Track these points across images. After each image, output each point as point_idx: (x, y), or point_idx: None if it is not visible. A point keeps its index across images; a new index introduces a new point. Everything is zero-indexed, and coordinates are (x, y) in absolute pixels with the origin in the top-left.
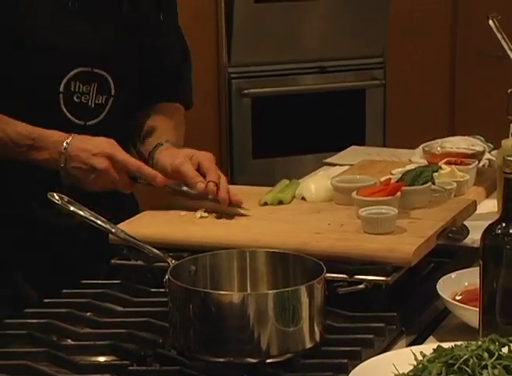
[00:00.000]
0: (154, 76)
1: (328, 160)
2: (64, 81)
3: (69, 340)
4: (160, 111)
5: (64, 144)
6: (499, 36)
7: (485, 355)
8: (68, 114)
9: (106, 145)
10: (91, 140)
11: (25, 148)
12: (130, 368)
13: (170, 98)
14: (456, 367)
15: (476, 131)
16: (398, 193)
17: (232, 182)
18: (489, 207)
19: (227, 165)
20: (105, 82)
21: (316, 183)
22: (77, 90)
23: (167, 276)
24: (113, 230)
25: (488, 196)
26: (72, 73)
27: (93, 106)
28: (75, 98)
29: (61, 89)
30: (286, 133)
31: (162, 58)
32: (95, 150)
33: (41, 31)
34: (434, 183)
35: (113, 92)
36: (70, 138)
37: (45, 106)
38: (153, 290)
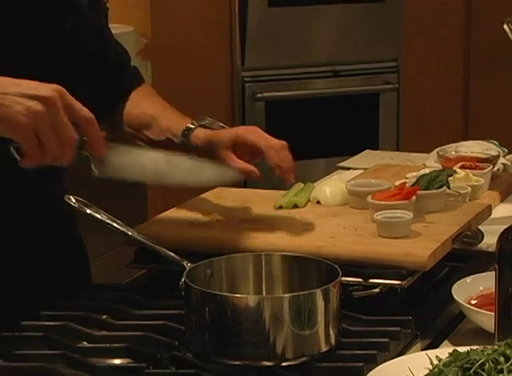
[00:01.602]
0: (108, 80)
1: (342, 164)
2: None
3: (85, 342)
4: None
5: None
6: None
7: (501, 359)
8: None
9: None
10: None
11: None
12: (146, 371)
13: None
14: (471, 371)
15: (489, 135)
16: (414, 197)
17: (245, 185)
18: (504, 211)
19: None
20: None
21: (331, 187)
22: None
23: (183, 279)
24: (130, 233)
25: (502, 200)
26: None
27: None
28: None
29: None
30: (300, 137)
31: (109, 60)
32: (37, 83)
33: None
34: (449, 187)
35: None
36: None
37: None
38: (168, 293)
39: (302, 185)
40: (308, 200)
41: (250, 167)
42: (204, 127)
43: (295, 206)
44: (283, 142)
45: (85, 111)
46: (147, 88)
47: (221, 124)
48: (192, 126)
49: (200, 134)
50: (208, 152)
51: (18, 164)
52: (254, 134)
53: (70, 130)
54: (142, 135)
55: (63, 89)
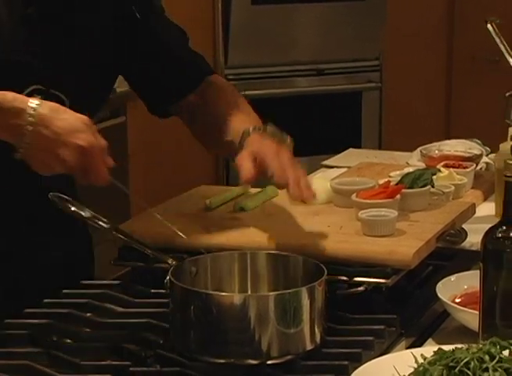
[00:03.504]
0: (171, 74)
1: (325, 162)
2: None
3: (69, 340)
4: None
5: (31, 109)
6: (497, 40)
7: (486, 358)
8: None
9: (83, 132)
10: (64, 115)
11: None
12: (131, 369)
13: (200, 80)
14: (457, 370)
15: (471, 134)
16: (398, 196)
17: (228, 183)
18: (487, 210)
19: (223, 166)
20: (59, 102)
21: (316, 185)
22: None
23: (168, 277)
24: (115, 231)
25: (485, 199)
26: (28, 90)
27: None
28: None
29: None
30: None
31: (169, 54)
32: (68, 137)
33: None
34: (433, 186)
35: None
36: (37, 102)
37: None
38: (152, 291)
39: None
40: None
41: (251, 175)
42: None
43: (242, 209)
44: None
45: (102, 178)
46: (219, 84)
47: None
48: (248, 131)
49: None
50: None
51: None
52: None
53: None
54: (211, 135)
55: (91, 150)
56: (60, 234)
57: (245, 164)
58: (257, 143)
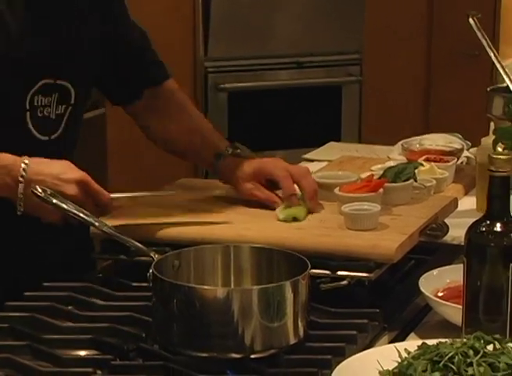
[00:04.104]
0: (128, 67)
1: (306, 156)
2: (29, 96)
3: (50, 333)
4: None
5: (21, 169)
6: (478, 34)
7: (470, 352)
8: (34, 131)
9: (73, 170)
10: (51, 163)
11: None
12: (113, 362)
13: (156, 82)
14: (441, 364)
15: (450, 128)
16: (381, 190)
17: (206, 177)
18: (468, 204)
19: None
20: (66, 92)
21: None
22: (40, 104)
23: (150, 271)
24: (97, 224)
25: (466, 193)
26: (36, 86)
27: (54, 117)
28: (38, 112)
29: (27, 106)
30: (262, 128)
31: (129, 48)
32: (64, 175)
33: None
34: (416, 180)
35: (72, 101)
36: (26, 161)
37: (12, 125)
38: (134, 284)
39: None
40: (307, 213)
41: (275, 198)
42: (235, 155)
43: (295, 219)
44: (305, 168)
45: (105, 194)
46: (180, 98)
47: (251, 154)
48: (223, 153)
49: (227, 162)
50: (230, 181)
51: None
52: (274, 166)
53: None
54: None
55: (87, 178)
56: (60, 231)
57: (262, 195)
58: (245, 166)
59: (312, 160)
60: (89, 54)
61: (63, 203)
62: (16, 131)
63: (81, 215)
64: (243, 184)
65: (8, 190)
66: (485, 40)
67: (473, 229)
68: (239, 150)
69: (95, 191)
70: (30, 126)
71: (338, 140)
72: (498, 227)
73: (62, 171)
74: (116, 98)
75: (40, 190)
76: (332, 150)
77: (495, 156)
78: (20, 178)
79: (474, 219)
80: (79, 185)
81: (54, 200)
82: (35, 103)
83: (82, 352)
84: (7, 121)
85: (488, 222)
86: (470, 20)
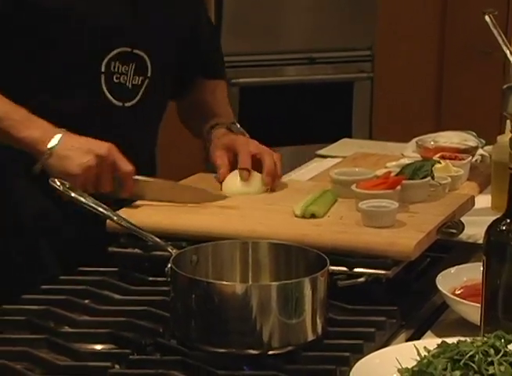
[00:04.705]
0: (191, 57)
1: (320, 152)
2: (105, 60)
3: (67, 327)
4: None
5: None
6: (494, 32)
7: (491, 351)
8: (108, 95)
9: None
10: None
11: (14, 121)
12: (131, 357)
13: (212, 76)
14: (461, 363)
15: (462, 125)
16: (398, 187)
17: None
18: (483, 202)
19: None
20: (143, 63)
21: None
22: (116, 70)
23: (169, 265)
24: (115, 218)
25: (481, 191)
26: (113, 52)
27: (130, 86)
28: (114, 78)
29: (102, 69)
30: (273, 123)
31: (199, 39)
32: (96, 141)
33: (81, 10)
34: (433, 178)
35: (149, 74)
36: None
37: (87, 86)
38: (150, 279)
39: (325, 189)
40: (327, 211)
41: (224, 170)
42: (227, 128)
43: (313, 216)
44: (271, 151)
45: (126, 166)
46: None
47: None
48: (218, 124)
49: (217, 131)
50: (210, 147)
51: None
52: (243, 143)
53: (107, 184)
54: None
55: (114, 148)
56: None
57: (219, 162)
58: (226, 137)
59: (326, 157)
60: (166, 29)
61: (82, 196)
62: (90, 93)
63: (100, 208)
64: (215, 151)
65: (41, 145)
66: (501, 37)
67: (493, 227)
68: (233, 125)
69: (120, 159)
70: (105, 89)
71: (349, 137)
72: None
73: (93, 141)
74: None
75: (58, 183)
76: (345, 147)
77: None
78: (60, 132)
79: (489, 218)
80: (109, 149)
81: (73, 194)
82: (111, 69)
83: (99, 347)
84: (83, 82)
85: (508, 220)
86: (486, 17)
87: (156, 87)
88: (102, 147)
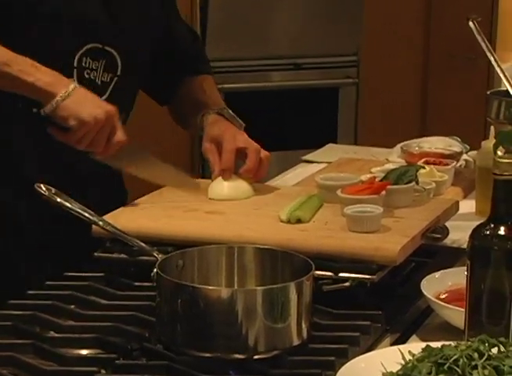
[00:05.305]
0: (175, 59)
1: (305, 157)
2: (77, 55)
3: (53, 332)
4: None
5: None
6: (478, 38)
7: (475, 355)
8: None
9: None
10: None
11: (22, 66)
12: (117, 362)
13: (197, 72)
14: (445, 367)
15: (447, 131)
16: (383, 192)
17: (203, 177)
18: (467, 207)
19: (200, 161)
20: (113, 61)
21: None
22: (87, 66)
23: (155, 270)
24: (101, 223)
25: (465, 196)
26: (85, 48)
27: (100, 83)
28: (85, 74)
29: (75, 64)
30: (259, 129)
31: (177, 39)
32: (104, 102)
33: (56, 4)
34: (417, 183)
35: (119, 72)
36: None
37: None
38: (136, 284)
39: (311, 195)
40: (313, 216)
41: (216, 168)
42: (219, 113)
43: (299, 221)
44: (258, 147)
45: (123, 135)
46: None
47: (236, 119)
48: (209, 111)
49: (209, 117)
50: (202, 136)
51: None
52: (230, 137)
53: (100, 144)
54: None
55: (116, 113)
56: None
57: (211, 158)
58: (216, 127)
59: (311, 162)
60: (140, 29)
61: (67, 201)
62: None
63: (86, 213)
64: (205, 142)
65: (53, 90)
66: (485, 44)
67: (477, 232)
68: (225, 110)
69: (119, 125)
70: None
71: (334, 142)
72: (502, 230)
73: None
74: (159, 95)
75: (44, 189)
76: (331, 152)
77: (499, 159)
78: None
79: (474, 222)
80: (116, 112)
81: (58, 199)
82: (83, 64)
83: (85, 351)
84: None
85: (492, 225)
86: (470, 24)
87: (125, 85)
88: (111, 108)
